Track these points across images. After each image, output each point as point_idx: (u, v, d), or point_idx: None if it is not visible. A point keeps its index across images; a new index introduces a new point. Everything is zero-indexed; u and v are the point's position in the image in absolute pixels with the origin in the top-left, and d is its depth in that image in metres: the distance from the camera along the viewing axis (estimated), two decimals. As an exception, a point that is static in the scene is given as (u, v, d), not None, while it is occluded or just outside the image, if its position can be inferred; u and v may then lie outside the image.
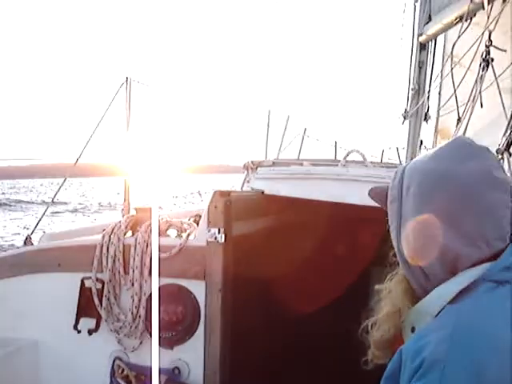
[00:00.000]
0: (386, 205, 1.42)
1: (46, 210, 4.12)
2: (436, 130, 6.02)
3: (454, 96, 4.64)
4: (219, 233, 3.18)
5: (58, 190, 4.35)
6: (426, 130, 5.85)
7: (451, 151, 1.29)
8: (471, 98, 4.20)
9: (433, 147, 6.18)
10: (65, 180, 4.36)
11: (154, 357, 1.46)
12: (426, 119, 5.58)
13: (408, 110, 5.52)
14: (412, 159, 1.43)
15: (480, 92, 4.10)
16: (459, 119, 4.06)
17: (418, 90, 5.51)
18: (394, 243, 1.33)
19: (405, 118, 5.55)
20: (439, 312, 1.19)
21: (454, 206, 1.21)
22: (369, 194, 1.56)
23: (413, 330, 1.27)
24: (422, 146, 5.72)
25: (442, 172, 1.24)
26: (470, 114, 4.15)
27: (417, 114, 5.55)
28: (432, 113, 5.79)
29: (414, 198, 1.27)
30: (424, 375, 1.06)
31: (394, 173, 1.38)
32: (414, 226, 1.26)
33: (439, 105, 5.84)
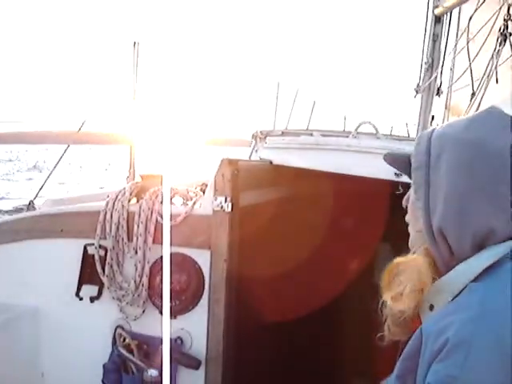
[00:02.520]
0: (405, 171, 1.37)
1: (49, 175, 4.04)
2: (446, 106, 5.91)
3: (466, 71, 4.54)
4: (226, 202, 3.11)
5: (62, 156, 4.26)
6: (437, 106, 5.73)
7: (487, 121, 1.23)
8: (486, 72, 4.10)
9: (443, 123, 6.09)
10: (68, 147, 4.28)
11: (166, 329, 1.41)
12: (438, 94, 5.45)
13: (420, 84, 5.39)
14: None
15: (496, 67, 4.00)
16: (473, 94, 3.97)
17: (432, 64, 5.37)
18: (421, 213, 1.26)
19: (417, 92, 5.43)
20: (461, 291, 1.14)
21: (493, 178, 1.16)
22: (384, 160, 1.50)
23: (431, 308, 1.21)
24: (434, 122, 5.60)
25: (480, 142, 1.18)
26: (485, 90, 4.05)
27: (429, 89, 5.42)
28: (444, 88, 5.67)
29: (449, 167, 1.21)
30: (448, 356, 1.02)
31: (418, 137, 1.31)
32: (448, 197, 1.20)
33: (451, 80, 5.72)
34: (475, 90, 3.94)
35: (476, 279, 1.13)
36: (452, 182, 1.19)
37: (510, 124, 1.20)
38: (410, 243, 1.37)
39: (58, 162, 4.51)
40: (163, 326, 1.44)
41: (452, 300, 1.15)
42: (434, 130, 1.32)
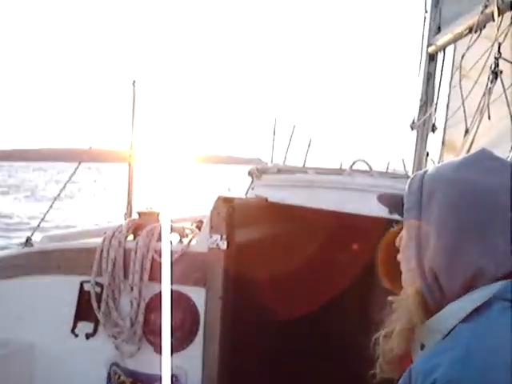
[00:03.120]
0: (397, 211, 1.39)
1: (49, 208, 4.06)
2: (443, 142, 5.98)
3: (461, 108, 4.60)
4: (221, 239, 3.13)
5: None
6: (432, 142, 5.79)
7: (477, 163, 1.26)
8: (479, 109, 4.16)
9: (439, 159, 6.15)
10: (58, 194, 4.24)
11: (165, 369, 1.42)
12: (433, 130, 5.52)
13: (415, 120, 5.47)
14: (418, 170, 1.40)
15: (488, 104, 4.06)
16: (467, 131, 4.02)
17: (426, 101, 5.45)
18: (412, 252, 1.28)
19: (412, 129, 5.50)
20: (451, 330, 1.15)
21: (481, 218, 1.18)
22: (379, 200, 1.53)
23: (422, 347, 1.23)
24: (429, 158, 5.66)
25: (469, 183, 1.21)
26: (478, 126, 4.11)
27: (424, 125, 5.49)
28: (439, 125, 5.74)
29: (439, 207, 1.23)
30: None
31: (410, 179, 1.34)
32: (439, 237, 1.22)
33: (446, 116, 5.80)
34: (468, 126, 4.00)
35: (465, 319, 1.14)
36: (442, 222, 1.22)
37: (502, 168, 1.24)
38: (402, 282, 1.37)
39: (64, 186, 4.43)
40: (163, 364, 1.45)
41: (442, 340, 1.16)
42: (426, 171, 1.34)
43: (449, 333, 1.15)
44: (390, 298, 1.38)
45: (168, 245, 2.62)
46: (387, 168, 6.42)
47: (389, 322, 1.34)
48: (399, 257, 1.39)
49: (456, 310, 1.17)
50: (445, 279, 1.21)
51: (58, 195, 4.16)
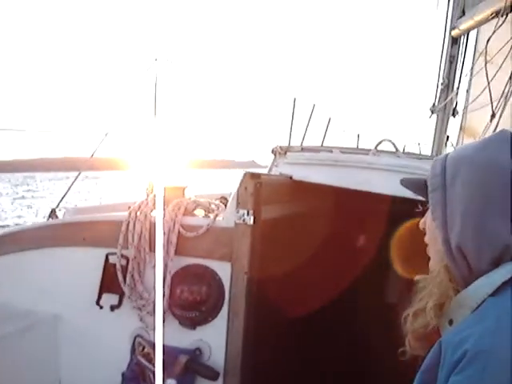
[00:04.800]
0: (422, 194, 1.42)
1: (72, 183, 4.08)
2: (461, 127, 5.96)
3: (482, 93, 4.59)
4: (248, 215, 3.14)
5: (72, 184, 4.21)
6: (452, 126, 5.79)
7: (499, 143, 1.28)
8: (504, 94, 4.15)
9: (457, 144, 6.13)
10: (79, 174, 4.24)
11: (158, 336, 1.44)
12: (453, 114, 5.52)
13: (436, 104, 5.46)
14: (437, 154, 1.41)
15: (512, 89, 4.05)
16: (493, 115, 4.01)
17: (448, 85, 5.44)
18: (439, 232, 1.30)
19: (432, 113, 5.49)
20: (479, 305, 1.18)
21: (506, 195, 1.20)
22: (401, 184, 1.58)
23: (450, 322, 1.25)
24: (448, 142, 5.66)
25: (492, 162, 1.24)
26: (502, 111, 4.10)
27: (445, 109, 5.49)
28: (459, 109, 5.73)
29: (464, 186, 1.26)
30: (466, 368, 1.05)
31: (433, 161, 1.38)
32: (465, 215, 1.24)
33: (467, 101, 5.78)
34: (494, 110, 3.99)
35: (494, 294, 1.17)
36: (467, 201, 1.24)
37: None
38: (430, 263, 1.40)
39: (68, 189, 4.42)
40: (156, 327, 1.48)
41: (471, 314, 1.18)
42: (448, 153, 1.38)
43: (478, 307, 1.18)
44: (417, 277, 1.40)
45: (161, 218, 2.63)
46: (403, 151, 6.42)
47: (417, 300, 1.37)
48: (426, 239, 1.42)
49: (484, 285, 1.19)
50: (472, 257, 1.24)
51: (58, 205, 4.09)
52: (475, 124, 5.81)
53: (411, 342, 1.39)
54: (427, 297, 1.34)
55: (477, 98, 4.97)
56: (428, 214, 1.38)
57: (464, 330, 1.12)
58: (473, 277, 1.23)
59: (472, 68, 5.41)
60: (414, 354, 1.40)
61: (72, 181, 4.15)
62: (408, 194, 3.04)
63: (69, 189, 4.05)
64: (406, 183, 1.56)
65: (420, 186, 1.42)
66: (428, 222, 1.39)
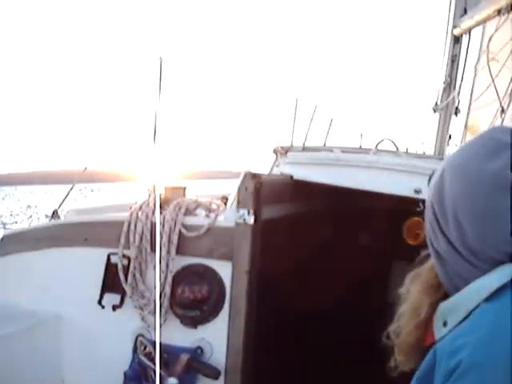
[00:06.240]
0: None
1: (73, 186, 4.09)
2: (466, 126, 5.95)
3: (487, 91, 4.58)
4: (248, 214, 3.15)
5: (73, 186, 4.19)
6: (455, 125, 5.77)
7: (474, 146, 1.25)
8: (507, 92, 4.14)
9: (461, 143, 6.12)
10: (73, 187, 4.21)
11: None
12: (456, 113, 5.50)
13: (438, 103, 5.45)
14: (440, 153, 1.40)
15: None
16: (503, 110, 3.98)
17: (450, 84, 5.43)
18: (436, 231, 1.28)
19: (435, 111, 5.48)
20: (474, 309, 1.15)
21: (493, 205, 1.16)
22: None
23: (445, 324, 1.23)
24: (451, 141, 5.64)
25: (473, 170, 1.20)
26: (507, 108, 4.08)
27: (447, 108, 5.47)
28: (462, 108, 5.71)
29: (449, 196, 1.24)
30: (462, 378, 1.03)
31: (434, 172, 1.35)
32: (455, 224, 1.22)
33: (471, 100, 5.77)
34: (503, 105, 3.95)
35: (489, 298, 1.14)
36: (455, 211, 1.21)
37: (498, 148, 1.20)
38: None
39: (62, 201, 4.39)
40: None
41: (465, 318, 1.16)
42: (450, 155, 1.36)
43: (472, 311, 1.15)
44: (399, 290, 1.41)
45: (159, 218, 2.64)
46: (407, 150, 6.41)
47: (398, 315, 1.39)
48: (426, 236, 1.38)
49: (479, 289, 1.17)
50: (472, 259, 1.20)
51: (60, 205, 4.07)
52: (479, 122, 5.81)
53: (397, 357, 1.40)
54: (405, 310, 1.37)
55: (481, 95, 4.97)
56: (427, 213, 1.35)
57: (458, 338, 1.10)
58: (472, 277, 1.20)
59: (476, 66, 5.40)
60: (401, 369, 1.40)
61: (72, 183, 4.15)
62: (409, 193, 3.06)
63: (71, 189, 4.06)
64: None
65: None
66: (426, 221, 1.35)
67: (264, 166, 4.39)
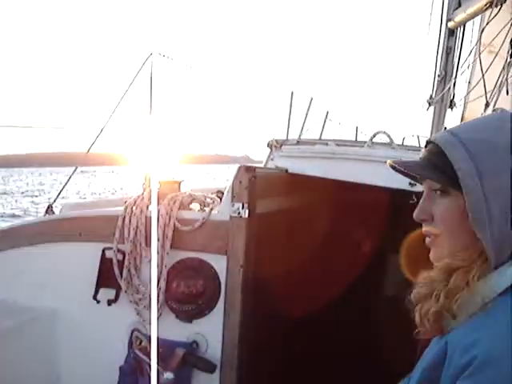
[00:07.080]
0: (428, 178, 1.30)
1: (68, 179, 4.08)
2: (462, 118, 5.95)
3: (480, 84, 4.57)
4: (243, 208, 3.15)
5: (69, 180, 4.18)
6: (450, 118, 5.77)
7: (493, 122, 1.23)
8: (497, 84, 4.14)
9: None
10: (75, 169, 4.20)
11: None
12: (451, 106, 5.49)
13: (433, 96, 5.43)
14: None
15: (507, 78, 4.03)
16: (487, 104, 4.00)
17: (445, 77, 5.41)
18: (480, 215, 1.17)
19: (430, 105, 5.47)
20: (488, 303, 1.13)
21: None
22: (402, 167, 1.35)
23: (454, 317, 1.18)
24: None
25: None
26: (496, 100, 4.09)
27: (442, 101, 5.46)
28: (457, 100, 5.71)
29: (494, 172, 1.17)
30: (475, 373, 1.02)
31: (445, 143, 1.23)
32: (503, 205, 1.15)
33: (467, 92, 5.76)
34: (488, 100, 3.97)
35: (503, 293, 1.12)
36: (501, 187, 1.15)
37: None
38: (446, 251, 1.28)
39: (65, 185, 4.39)
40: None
41: (479, 312, 1.14)
42: (451, 132, 1.25)
43: (486, 304, 1.13)
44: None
45: (156, 212, 2.63)
46: (402, 143, 6.41)
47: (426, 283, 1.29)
48: (436, 229, 1.28)
49: (495, 283, 1.15)
50: (490, 252, 1.16)
51: (55, 201, 4.06)
52: (475, 114, 5.80)
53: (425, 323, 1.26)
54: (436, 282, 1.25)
55: (473, 88, 4.97)
56: (441, 201, 1.26)
57: (472, 333, 1.09)
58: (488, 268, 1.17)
59: (469, 58, 5.39)
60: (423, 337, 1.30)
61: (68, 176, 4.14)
62: (403, 185, 3.06)
63: (65, 184, 4.06)
64: (406, 168, 1.34)
65: (417, 167, 1.31)
66: (442, 210, 1.25)
67: (259, 156, 4.38)
